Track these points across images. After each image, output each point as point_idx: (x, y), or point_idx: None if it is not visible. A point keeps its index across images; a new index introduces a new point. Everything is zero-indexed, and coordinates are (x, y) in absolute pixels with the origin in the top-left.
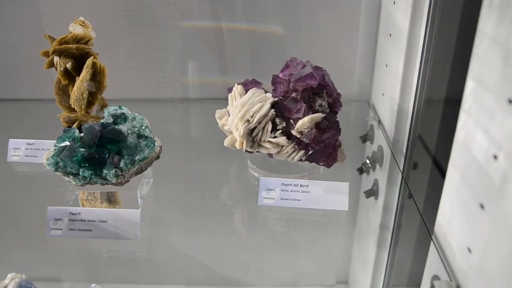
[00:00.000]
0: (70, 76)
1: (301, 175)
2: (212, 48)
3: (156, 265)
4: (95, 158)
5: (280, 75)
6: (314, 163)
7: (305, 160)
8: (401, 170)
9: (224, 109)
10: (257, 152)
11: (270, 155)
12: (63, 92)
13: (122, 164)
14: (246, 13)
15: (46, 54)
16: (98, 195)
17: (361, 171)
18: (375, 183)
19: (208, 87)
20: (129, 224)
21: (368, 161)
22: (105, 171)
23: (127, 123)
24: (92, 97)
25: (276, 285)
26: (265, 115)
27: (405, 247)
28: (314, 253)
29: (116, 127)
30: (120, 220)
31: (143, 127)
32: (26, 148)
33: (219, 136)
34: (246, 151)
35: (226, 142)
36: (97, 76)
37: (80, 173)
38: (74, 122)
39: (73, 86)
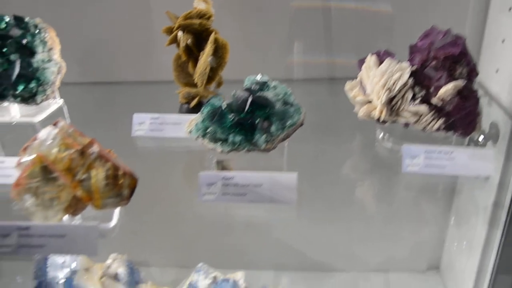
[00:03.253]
0: (190, 52)
1: None
2: (318, 28)
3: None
4: (246, 123)
5: (419, 43)
6: (446, 136)
7: (443, 129)
8: None
9: (354, 80)
10: (392, 122)
11: (406, 124)
12: (181, 69)
13: (273, 129)
14: None
15: (169, 30)
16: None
17: None
18: None
19: (312, 67)
20: (285, 188)
21: (480, 137)
22: (256, 136)
23: (270, 91)
24: (212, 73)
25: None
26: (405, 84)
27: None
28: (408, 236)
29: (263, 94)
30: (275, 184)
31: (287, 94)
32: (150, 123)
33: (331, 118)
34: (382, 121)
35: (361, 113)
36: (218, 51)
37: (230, 138)
38: (193, 98)
39: (193, 63)
